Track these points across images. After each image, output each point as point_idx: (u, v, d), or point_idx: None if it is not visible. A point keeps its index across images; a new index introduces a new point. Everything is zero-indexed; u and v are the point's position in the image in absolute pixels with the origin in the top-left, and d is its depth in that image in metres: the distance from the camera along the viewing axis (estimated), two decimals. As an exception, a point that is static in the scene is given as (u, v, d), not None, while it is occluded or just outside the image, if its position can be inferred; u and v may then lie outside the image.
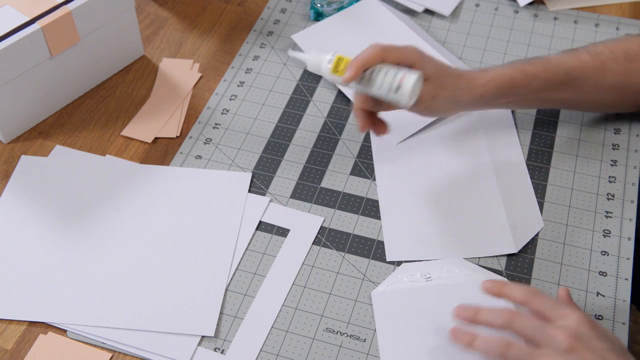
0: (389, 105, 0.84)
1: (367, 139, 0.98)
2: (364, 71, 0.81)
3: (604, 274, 0.84)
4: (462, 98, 0.86)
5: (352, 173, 0.94)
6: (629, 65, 0.89)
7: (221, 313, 0.81)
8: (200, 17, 1.16)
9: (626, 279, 0.83)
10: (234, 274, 0.85)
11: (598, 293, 0.82)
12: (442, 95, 0.84)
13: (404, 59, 0.82)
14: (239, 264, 0.85)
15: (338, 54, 0.83)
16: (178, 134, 0.99)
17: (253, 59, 1.09)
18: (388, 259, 0.85)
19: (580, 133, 0.98)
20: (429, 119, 0.98)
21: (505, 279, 0.78)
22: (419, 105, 0.84)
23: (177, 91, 1.04)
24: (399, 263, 0.85)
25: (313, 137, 0.98)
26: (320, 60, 0.83)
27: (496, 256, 0.85)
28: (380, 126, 0.86)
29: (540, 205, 0.90)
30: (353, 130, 0.99)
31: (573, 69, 0.89)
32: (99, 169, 0.95)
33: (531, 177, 0.93)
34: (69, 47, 0.98)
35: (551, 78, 0.88)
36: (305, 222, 0.89)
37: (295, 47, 1.10)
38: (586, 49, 0.90)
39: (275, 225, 0.89)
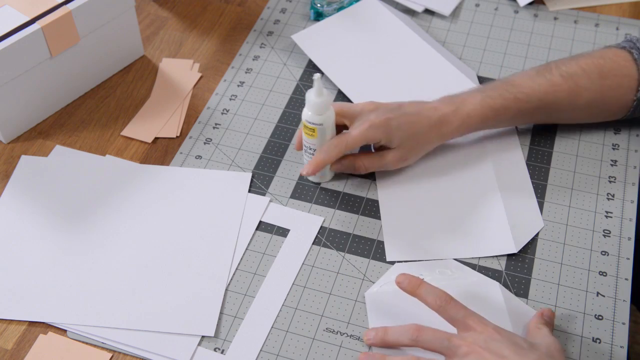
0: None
1: (367, 139, 0.98)
2: None
3: (604, 274, 0.84)
4: (435, 144, 0.90)
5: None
6: (603, 83, 0.89)
7: (221, 313, 0.81)
8: (200, 17, 1.16)
9: (626, 279, 0.83)
10: (234, 274, 0.85)
11: (598, 293, 0.82)
12: (413, 154, 0.89)
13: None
14: (239, 264, 0.85)
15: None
16: (178, 134, 0.99)
17: (253, 59, 1.09)
18: (388, 259, 0.85)
19: (580, 133, 0.98)
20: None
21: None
22: (396, 165, 0.90)
23: (177, 91, 1.04)
24: (399, 263, 0.85)
25: (313, 137, 0.98)
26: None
27: (496, 256, 0.85)
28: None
29: (540, 205, 0.90)
30: (353, 130, 0.99)
31: (546, 94, 0.89)
32: (99, 169, 0.95)
33: (531, 177, 0.93)
34: (69, 47, 0.98)
35: (524, 107, 0.89)
36: (305, 222, 0.89)
37: (296, 47, 1.10)
38: (559, 70, 0.90)
39: (275, 225, 0.89)
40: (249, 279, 0.84)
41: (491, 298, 0.79)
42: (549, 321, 0.77)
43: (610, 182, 0.92)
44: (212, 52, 1.10)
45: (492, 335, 0.70)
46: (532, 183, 0.92)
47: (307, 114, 0.85)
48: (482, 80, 1.05)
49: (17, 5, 0.95)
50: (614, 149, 0.96)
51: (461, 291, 0.79)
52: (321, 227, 0.89)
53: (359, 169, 0.90)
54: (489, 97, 0.89)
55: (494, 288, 0.81)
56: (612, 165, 0.94)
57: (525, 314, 0.79)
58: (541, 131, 0.98)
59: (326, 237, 0.88)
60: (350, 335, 0.79)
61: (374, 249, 0.86)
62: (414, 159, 0.90)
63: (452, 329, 0.74)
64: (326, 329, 0.80)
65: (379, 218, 0.89)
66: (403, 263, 0.84)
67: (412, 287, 0.76)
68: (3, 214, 0.90)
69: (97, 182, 0.93)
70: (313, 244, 0.87)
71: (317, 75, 0.82)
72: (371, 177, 0.93)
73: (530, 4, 1.15)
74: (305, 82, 1.05)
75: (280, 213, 0.90)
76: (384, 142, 0.87)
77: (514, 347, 0.69)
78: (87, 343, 0.79)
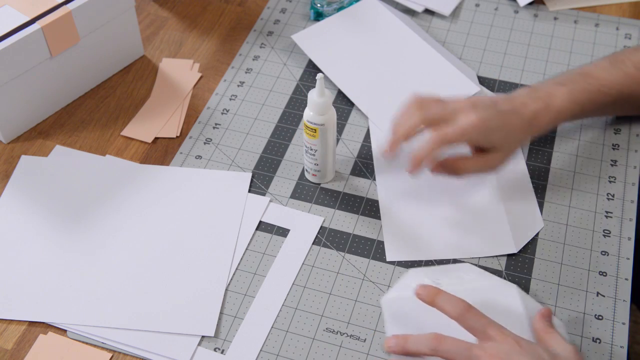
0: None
1: (367, 139, 0.98)
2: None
3: (604, 274, 0.84)
4: (526, 142, 0.86)
5: (352, 173, 0.94)
6: None
7: (221, 313, 0.81)
8: (200, 17, 1.16)
9: (626, 279, 0.83)
10: (234, 274, 0.85)
11: (598, 293, 0.82)
12: (512, 155, 0.85)
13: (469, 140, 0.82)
14: (239, 264, 0.85)
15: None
16: (178, 134, 0.99)
17: (253, 59, 1.09)
18: (388, 259, 0.85)
19: (580, 133, 0.98)
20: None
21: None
22: (500, 168, 0.85)
23: (177, 91, 1.04)
24: (399, 263, 0.85)
25: (313, 137, 0.98)
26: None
27: (496, 256, 0.85)
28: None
29: (540, 205, 0.90)
30: (353, 130, 0.99)
31: (624, 86, 0.87)
32: (99, 169, 0.95)
33: (531, 177, 0.93)
34: (69, 47, 0.98)
35: (606, 100, 0.87)
36: (305, 222, 0.89)
37: (296, 47, 1.10)
38: (631, 61, 0.88)
39: (275, 225, 0.89)
40: (249, 279, 0.84)
41: (509, 302, 0.78)
42: (550, 321, 0.77)
43: (610, 182, 0.92)
44: (212, 52, 1.10)
45: (513, 346, 0.69)
46: (532, 183, 0.92)
47: (308, 114, 0.85)
48: (482, 80, 1.05)
49: (17, 5, 0.95)
50: (614, 149, 0.96)
51: (478, 296, 0.78)
52: (321, 227, 0.89)
53: (460, 171, 0.84)
54: (576, 91, 0.85)
55: (512, 291, 0.80)
56: (612, 165, 0.94)
57: None
58: (541, 131, 0.98)
59: (326, 237, 0.88)
60: (350, 335, 0.79)
61: (374, 249, 0.86)
62: (511, 159, 0.86)
63: (473, 338, 0.73)
64: (326, 329, 0.80)
65: (379, 218, 0.89)
66: (418, 267, 0.84)
67: (430, 297, 0.74)
68: (3, 214, 0.90)
69: (97, 182, 0.93)
70: (313, 244, 0.87)
71: (320, 75, 0.82)
72: (371, 177, 0.93)
73: (530, 4, 1.15)
74: (305, 82, 1.05)
75: (280, 213, 0.90)
76: (483, 143, 0.83)
77: (535, 359, 0.68)
78: (87, 343, 0.79)
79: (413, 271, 0.83)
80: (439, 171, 0.85)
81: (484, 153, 0.84)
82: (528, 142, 0.85)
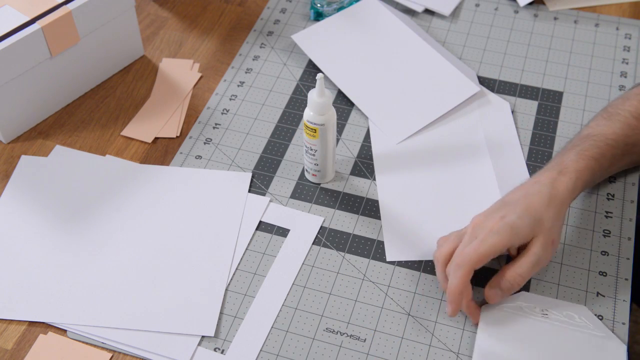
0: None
1: (367, 139, 0.98)
2: None
3: (604, 274, 0.84)
4: (562, 213, 0.80)
5: (352, 173, 0.94)
6: None
7: (221, 313, 0.81)
8: (200, 17, 1.16)
9: (626, 279, 0.83)
10: (234, 274, 0.85)
11: (598, 293, 0.82)
12: (555, 231, 0.79)
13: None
14: (239, 264, 0.85)
15: None
16: (178, 134, 0.99)
17: (253, 59, 1.09)
18: (388, 259, 0.85)
19: (580, 133, 0.98)
20: (429, 119, 0.98)
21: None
22: (550, 254, 0.79)
23: (177, 91, 1.04)
24: (399, 263, 0.85)
25: (313, 137, 0.98)
26: None
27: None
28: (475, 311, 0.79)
29: (540, 205, 0.90)
30: (353, 130, 0.99)
31: (628, 137, 0.85)
32: (99, 169, 0.95)
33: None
34: (69, 47, 0.98)
35: (615, 153, 0.84)
36: (305, 222, 0.89)
37: (296, 47, 1.10)
38: (625, 112, 0.86)
39: (275, 225, 0.89)
40: (249, 279, 0.84)
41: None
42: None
43: (610, 182, 0.92)
44: (212, 52, 1.10)
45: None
46: (532, 183, 0.92)
47: (308, 114, 0.85)
48: (482, 80, 1.05)
49: (17, 5, 0.95)
50: (614, 149, 0.96)
51: (581, 341, 0.75)
52: (321, 227, 0.89)
53: (516, 282, 0.77)
54: (585, 150, 0.82)
55: (619, 350, 0.76)
56: (612, 165, 0.94)
57: None
58: (541, 131, 0.98)
59: (326, 237, 0.88)
60: (350, 335, 0.79)
61: (374, 249, 0.86)
62: (558, 234, 0.79)
63: None
64: (326, 329, 0.80)
65: (379, 218, 0.89)
66: (532, 294, 0.81)
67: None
68: (3, 214, 0.90)
69: (97, 182, 0.93)
70: (313, 244, 0.87)
71: (320, 75, 0.82)
72: (371, 177, 0.93)
73: (530, 4, 1.15)
74: (305, 82, 1.05)
75: (280, 213, 0.90)
76: (515, 241, 0.76)
77: None
78: (87, 343, 0.79)
79: (526, 294, 0.81)
80: (495, 298, 0.78)
81: (527, 249, 0.78)
82: (562, 210, 0.79)
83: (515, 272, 0.77)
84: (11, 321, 0.81)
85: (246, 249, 0.87)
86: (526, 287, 0.82)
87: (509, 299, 0.80)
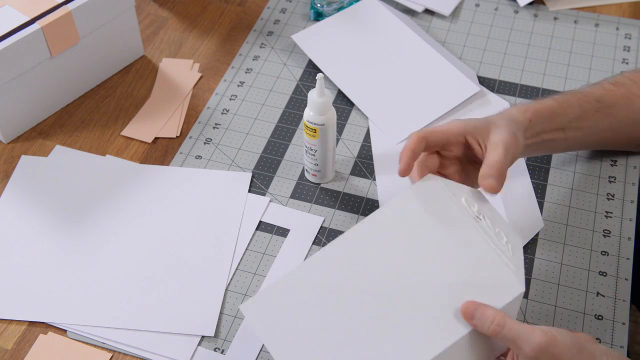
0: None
1: (367, 139, 0.98)
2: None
3: (604, 274, 0.84)
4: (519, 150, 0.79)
5: (352, 173, 0.94)
6: None
7: (221, 313, 0.81)
8: (200, 17, 1.16)
9: (626, 279, 0.83)
10: (234, 274, 0.85)
11: (598, 293, 0.82)
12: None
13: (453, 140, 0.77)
14: (239, 264, 0.85)
15: None
16: (178, 134, 0.99)
17: (253, 59, 1.09)
18: (388, 259, 0.85)
19: (580, 133, 0.98)
20: (429, 119, 0.98)
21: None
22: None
23: (177, 91, 1.04)
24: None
25: (313, 137, 0.98)
26: None
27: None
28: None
29: (540, 205, 0.90)
30: (353, 130, 0.99)
31: (601, 96, 0.87)
32: (99, 169, 0.95)
33: (531, 177, 0.93)
34: (69, 47, 0.98)
35: (584, 105, 0.86)
36: (305, 222, 0.89)
37: (296, 47, 1.10)
38: (607, 80, 0.89)
39: (275, 225, 0.89)
40: (249, 279, 0.84)
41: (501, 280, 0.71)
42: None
43: (610, 182, 0.92)
44: (212, 52, 1.10)
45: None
46: (532, 183, 0.92)
47: (308, 114, 0.85)
48: (482, 80, 1.05)
49: (17, 5, 0.95)
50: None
51: (485, 261, 0.70)
52: (321, 227, 0.89)
53: (495, 167, 0.75)
54: (558, 96, 0.85)
55: (515, 289, 0.71)
56: (612, 165, 0.94)
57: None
58: (541, 131, 0.98)
59: (326, 237, 0.88)
60: (350, 335, 0.79)
61: (374, 249, 0.86)
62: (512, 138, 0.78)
63: None
64: (326, 329, 0.80)
65: (379, 218, 0.89)
66: (482, 194, 0.76)
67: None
68: (3, 214, 0.90)
69: (97, 182, 0.93)
70: (313, 244, 0.87)
71: (320, 75, 0.82)
72: (371, 177, 0.93)
73: (530, 4, 1.15)
74: (305, 82, 1.05)
75: (280, 213, 0.90)
76: (469, 127, 0.77)
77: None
78: (87, 343, 0.79)
79: (478, 194, 0.75)
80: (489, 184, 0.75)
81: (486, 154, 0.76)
82: (514, 131, 0.78)
83: (491, 159, 0.74)
84: (11, 321, 0.81)
85: (246, 249, 0.87)
86: (526, 288, 0.82)
87: (458, 188, 0.75)
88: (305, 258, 0.86)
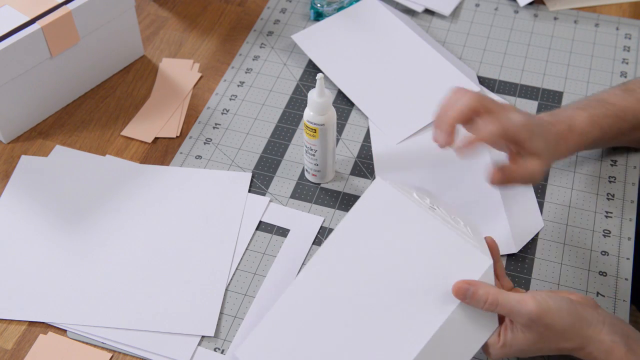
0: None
1: (367, 139, 0.98)
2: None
3: (604, 274, 0.84)
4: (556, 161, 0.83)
5: (352, 173, 0.94)
6: None
7: (221, 313, 0.81)
8: (200, 17, 1.16)
9: (626, 279, 0.83)
10: (234, 274, 0.85)
11: (598, 293, 0.82)
12: (547, 168, 0.80)
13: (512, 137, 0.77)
14: (239, 264, 0.85)
15: None
16: (178, 134, 0.99)
17: (253, 59, 1.09)
18: (388, 259, 0.85)
19: (580, 133, 0.97)
20: (429, 119, 0.98)
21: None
22: (539, 179, 0.80)
23: (177, 91, 1.04)
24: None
25: (313, 137, 0.98)
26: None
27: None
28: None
29: (540, 205, 0.90)
30: (353, 130, 0.99)
31: (639, 111, 0.87)
32: (99, 169, 0.95)
33: (531, 177, 0.93)
34: (69, 47, 0.98)
35: (623, 126, 0.86)
36: (305, 222, 0.89)
37: (296, 47, 1.10)
38: (618, 87, 0.88)
39: (275, 225, 0.89)
40: (249, 279, 0.84)
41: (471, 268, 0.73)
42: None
43: (610, 182, 0.92)
44: (212, 52, 1.10)
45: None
46: (532, 183, 0.92)
47: (308, 114, 0.85)
48: (482, 80, 1.05)
49: (17, 5, 0.95)
50: (613, 148, 0.96)
51: (447, 243, 0.72)
52: (321, 227, 0.89)
53: (511, 178, 0.79)
54: (596, 116, 0.84)
55: (483, 263, 0.72)
56: (612, 165, 0.94)
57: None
58: (541, 131, 0.98)
59: (326, 237, 0.87)
60: (350, 335, 0.79)
61: (374, 249, 0.86)
62: (545, 173, 0.81)
63: None
64: (326, 329, 0.80)
65: (379, 218, 0.89)
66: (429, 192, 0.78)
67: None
68: (3, 214, 0.90)
69: (97, 182, 0.93)
70: (313, 244, 0.87)
71: (320, 75, 0.82)
72: (371, 177, 0.93)
73: (530, 4, 1.15)
74: (305, 82, 1.05)
75: (280, 213, 0.90)
76: (528, 145, 0.77)
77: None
78: (87, 343, 0.79)
79: (427, 192, 0.78)
80: (497, 176, 0.78)
81: (524, 160, 0.79)
82: (557, 160, 0.82)
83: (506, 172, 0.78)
84: (11, 321, 0.81)
85: (246, 249, 0.87)
86: (526, 288, 0.82)
87: (406, 187, 0.78)
88: (305, 258, 0.86)
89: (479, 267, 0.70)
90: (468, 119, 0.77)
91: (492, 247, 0.74)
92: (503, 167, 0.78)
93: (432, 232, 0.72)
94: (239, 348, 0.73)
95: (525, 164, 0.78)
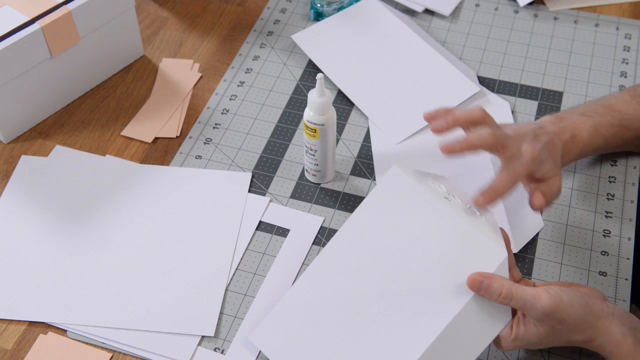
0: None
1: (367, 139, 0.98)
2: None
3: (604, 274, 0.84)
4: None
5: (352, 173, 0.94)
6: None
7: (221, 313, 0.81)
8: (200, 17, 1.16)
9: (626, 279, 0.83)
10: (234, 274, 0.85)
11: (598, 293, 0.82)
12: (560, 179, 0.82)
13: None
14: (239, 264, 0.85)
15: None
16: (178, 134, 0.99)
17: (253, 59, 1.09)
18: (388, 259, 0.85)
19: (580, 133, 0.97)
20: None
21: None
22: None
23: (177, 91, 1.04)
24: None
25: (313, 137, 0.98)
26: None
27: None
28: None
29: (540, 205, 0.90)
30: (353, 130, 0.99)
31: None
32: (99, 169, 0.95)
33: (531, 177, 0.93)
34: (69, 47, 0.98)
35: (627, 135, 0.87)
36: (305, 222, 0.89)
37: (296, 47, 1.10)
38: (627, 93, 0.89)
39: (275, 225, 0.89)
40: (249, 279, 0.84)
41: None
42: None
43: (610, 182, 0.92)
44: (212, 52, 1.10)
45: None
46: (532, 183, 0.92)
47: (308, 114, 0.85)
48: (482, 80, 1.05)
49: (17, 5, 0.95)
50: (614, 149, 0.96)
51: (461, 233, 0.72)
52: (321, 227, 0.89)
53: (545, 204, 0.80)
54: (600, 125, 0.85)
55: (498, 256, 0.72)
56: (612, 165, 0.94)
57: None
58: (541, 131, 0.98)
59: (326, 237, 0.88)
60: (350, 335, 0.79)
61: (374, 249, 0.86)
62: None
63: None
64: (326, 329, 0.80)
65: (379, 218, 0.89)
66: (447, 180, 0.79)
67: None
68: (3, 214, 0.90)
69: (97, 182, 0.93)
70: (313, 244, 0.87)
71: (320, 75, 0.82)
72: (371, 177, 0.93)
73: (530, 4, 1.15)
74: (305, 82, 1.05)
75: (280, 213, 0.90)
76: (538, 174, 0.79)
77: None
78: (87, 343, 0.79)
79: (444, 180, 0.79)
80: (540, 201, 0.79)
81: (542, 183, 0.80)
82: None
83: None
84: (11, 321, 0.81)
85: (246, 249, 0.87)
86: (526, 287, 0.82)
87: (422, 174, 0.78)
88: (305, 258, 0.86)
89: (494, 260, 0.70)
90: (477, 147, 0.77)
91: (504, 238, 0.74)
92: (541, 191, 0.79)
93: (447, 223, 0.72)
94: (252, 332, 0.74)
95: (550, 184, 0.80)
